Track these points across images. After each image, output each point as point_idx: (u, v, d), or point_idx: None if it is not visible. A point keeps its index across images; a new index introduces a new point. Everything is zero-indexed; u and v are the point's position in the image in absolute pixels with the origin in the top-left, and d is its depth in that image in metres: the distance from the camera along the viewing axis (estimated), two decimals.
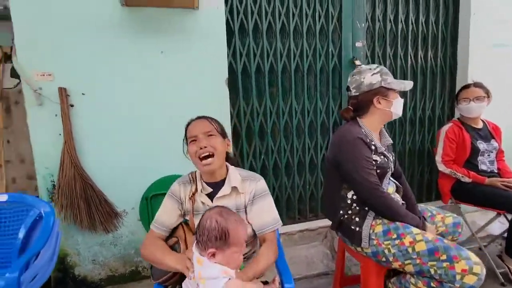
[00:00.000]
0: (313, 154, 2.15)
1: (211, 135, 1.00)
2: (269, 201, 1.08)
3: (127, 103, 1.68)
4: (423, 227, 1.16)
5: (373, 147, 1.20)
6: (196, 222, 0.98)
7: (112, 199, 1.69)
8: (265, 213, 1.05)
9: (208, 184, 1.05)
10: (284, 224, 1.85)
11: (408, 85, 1.27)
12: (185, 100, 1.73)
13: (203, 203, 1.03)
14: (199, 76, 1.76)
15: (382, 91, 1.20)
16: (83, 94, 1.60)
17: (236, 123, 1.97)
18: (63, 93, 1.55)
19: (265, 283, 0.98)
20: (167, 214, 1.05)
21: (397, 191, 1.32)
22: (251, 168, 2.01)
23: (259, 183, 1.08)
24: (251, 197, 1.04)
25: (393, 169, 1.32)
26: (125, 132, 1.68)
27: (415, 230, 1.11)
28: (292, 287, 1.02)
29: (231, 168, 1.10)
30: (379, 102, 1.21)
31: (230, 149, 1.16)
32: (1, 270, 1.04)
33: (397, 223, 1.15)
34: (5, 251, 1.24)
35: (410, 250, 1.06)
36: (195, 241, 0.86)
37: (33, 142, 1.59)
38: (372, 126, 1.25)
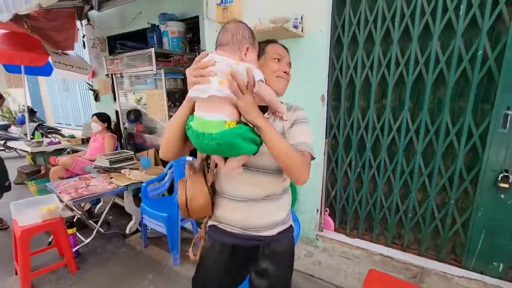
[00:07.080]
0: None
1: (289, 68, 1.01)
2: (305, 127, 1.01)
3: None
4: None
5: None
6: None
7: None
8: (299, 135, 0.98)
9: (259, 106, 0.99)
10: None
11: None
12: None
13: None
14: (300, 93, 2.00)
15: None
16: None
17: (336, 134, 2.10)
18: None
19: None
20: None
21: None
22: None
23: (296, 112, 1.02)
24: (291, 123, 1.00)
25: None
26: None
27: None
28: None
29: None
30: None
31: None
32: None
33: None
34: None
35: None
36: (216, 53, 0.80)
37: None
38: None
